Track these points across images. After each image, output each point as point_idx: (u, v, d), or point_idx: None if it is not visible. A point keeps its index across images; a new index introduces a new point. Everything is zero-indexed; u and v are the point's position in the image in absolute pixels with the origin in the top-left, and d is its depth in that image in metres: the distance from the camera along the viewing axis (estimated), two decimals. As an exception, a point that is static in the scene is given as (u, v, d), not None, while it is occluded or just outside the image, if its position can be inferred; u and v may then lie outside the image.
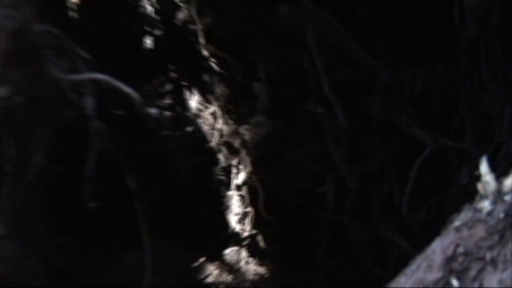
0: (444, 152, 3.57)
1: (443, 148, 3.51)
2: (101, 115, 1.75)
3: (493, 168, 1.34)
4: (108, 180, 4.00)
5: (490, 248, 1.24)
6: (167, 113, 4.39)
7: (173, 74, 4.29)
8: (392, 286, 1.35)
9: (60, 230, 3.92)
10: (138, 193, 1.84)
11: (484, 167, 1.36)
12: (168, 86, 4.34)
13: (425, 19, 3.44)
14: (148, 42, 3.98)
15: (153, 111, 1.40)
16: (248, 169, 4.30)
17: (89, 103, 1.71)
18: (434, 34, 3.48)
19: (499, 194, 1.29)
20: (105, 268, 3.91)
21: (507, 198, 1.28)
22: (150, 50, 4.00)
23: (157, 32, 3.98)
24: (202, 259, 4.23)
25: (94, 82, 1.56)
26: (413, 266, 1.33)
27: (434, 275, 1.28)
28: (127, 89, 1.39)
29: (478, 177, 1.37)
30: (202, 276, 4.17)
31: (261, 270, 4.39)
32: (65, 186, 3.83)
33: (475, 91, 3.47)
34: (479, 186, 1.34)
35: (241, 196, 4.47)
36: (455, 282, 1.24)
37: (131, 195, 1.88)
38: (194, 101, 4.34)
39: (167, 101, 4.37)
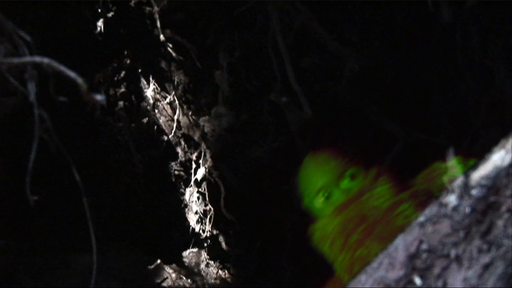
0: (418, 147, 3.60)
1: (416, 142, 3.55)
2: (46, 103, 1.75)
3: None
4: (56, 178, 4.01)
5: (455, 244, 1.27)
6: (121, 103, 4.38)
7: (127, 61, 4.28)
8: (351, 285, 1.37)
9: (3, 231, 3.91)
10: (84, 187, 1.83)
11: (450, 160, 1.38)
12: (122, 74, 4.33)
13: (397, 3, 3.47)
14: (100, 25, 3.96)
15: (99, 97, 1.39)
16: (208, 164, 4.30)
17: (31, 89, 1.70)
18: (406, 19, 3.51)
19: (465, 188, 1.31)
20: (52, 271, 3.89)
21: (474, 192, 1.30)
22: (102, 34, 3.98)
23: (110, 14, 3.96)
24: (158, 262, 4.22)
25: (37, 66, 1.56)
26: (374, 264, 1.35)
27: (396, 273, 1.30)
28: (71, 73, 1.39)
29: (445, 170, 1.40)
30: (158, 280, 4.17)
31: (223, 273, 4.39)
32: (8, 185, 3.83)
33: (450, 81, 3.51)
34: (445, 180, 1.36)
35: (201, 194, 4.46)
36: (418, 281, 1.26)
37: (79, 192, 1.87)
38: (150, 90, 4.34)
39: (121, 89, 4.36)
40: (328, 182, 2.64)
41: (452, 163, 2.66)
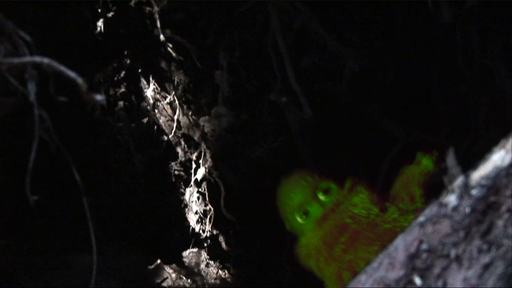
0: (418, 147, 3.60)
1: (416, 142, 3.55)
2: (46, 103, 1.75)
3: (469, 162, 1.36)
4: (56, 178, 4.00)
5: (455, 244, 1.27)
6: (121, 103, 4.38)
7: (127, 61, 4.28)
8: (352, 285, 1.37)
9: (3, 231, 3.90)
10: (84, 187, 1.83)
11: (450, 160, 1.38)
12: (122, 74, 4.32)
13: (397, 3, 3.47)
14: (100, 25, 3.96)
15: (99, 97, 1.40)
16: (208, 164, 4.30)
17: (31, 89, 1.71)
18: (406, 19, 3.51)
19: (465, 188, 1.31)
20: (52, 271, 3.89)
21: (474, 192, 1.30)
22: (102, 34, 3.98)
23: (110, 14, 3.96)
24: (158, 262, 4.21)
25: (37, 66, 1.56)
26: (374, 264, 1.35)
27: (396, 273, 1.30)
28: (71, 73, 1.39)
29: (445, 170, 1.39)
30: (158, 280, 4.16)
31: (223, 273, 4.39)
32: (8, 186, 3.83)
33: (450, 81, 3.51)
34: (445, 180, 1.36)
35: (201, 194, 4.46)
36: (418, 281, 1.27)
37: (79, 192, 1.88)
38: (150, 90, 4.33)
39: (121, 90, 4.36)
40: (302, 200, 2.70)
41: (418, 160, 2.71)
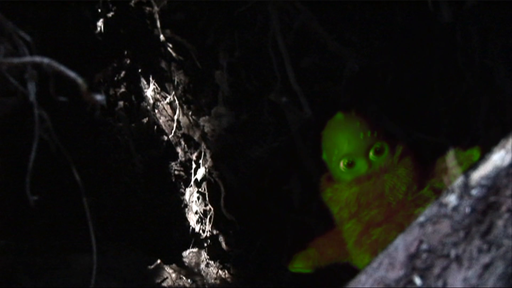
0: (418, 147, 3.61)
1: (416, 142, 3.55)
2: (46, 103, 1.75)
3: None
4: (56, 178, 4.00)
5: (455, 245, 1.27)
6: (121, 103, 4.38)
7: (127, 61, 4.28)
8: (352, 285, 1.37)
9: (3, 231, 3.90)
10: (84, 187, 1.83)
11: (450, 160, 1.38)
12: (122, 74, 4.32)
13: (397, 3, 3.47)
14: (100, 25, 3.96)
15: (99, 97, 1.40)
16: (208, 164, 4.30)
17: (31, 89, 1.71)
18: (406, 19, 3.52)
19: (465, 188, 1.31)
20: (52, 271, 3.89)
21: (474, 192, 1.30)
22: (102, 34, 3.98)
23: (110, 14, 3.96)
24: (158, 262, 4.21)
25: (37, 66, 1.56)
26: (374, 264, 1.35)
27: (396, 273, 1.30)
28: (71, 73, 1.39)
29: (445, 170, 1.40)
30: (158, 280, 4.16)
31: (223, 273, 4.39)
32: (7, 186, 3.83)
33: (450, 81, 3.51)
34: (445, 180, 1.37)
35: (201, 194, 4.46)
36: (418, 281, 1.27)
37: (79, 192, 1.88)
38: (150, 90, 4.33)
39: (121, 90, 4.36)
40: (354, 151, 2.62)
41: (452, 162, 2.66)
